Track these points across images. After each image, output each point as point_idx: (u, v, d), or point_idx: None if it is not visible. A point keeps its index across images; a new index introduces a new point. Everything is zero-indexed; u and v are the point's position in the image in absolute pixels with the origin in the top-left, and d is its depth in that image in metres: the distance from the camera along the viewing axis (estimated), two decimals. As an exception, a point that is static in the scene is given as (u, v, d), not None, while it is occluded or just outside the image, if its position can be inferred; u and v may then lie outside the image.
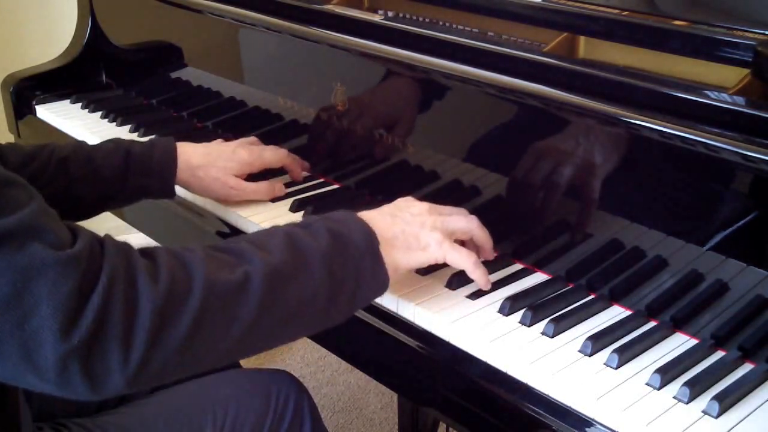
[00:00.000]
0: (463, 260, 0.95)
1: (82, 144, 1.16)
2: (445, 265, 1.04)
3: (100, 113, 1.60)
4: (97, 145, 1.17)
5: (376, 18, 1.19)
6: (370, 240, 0.88)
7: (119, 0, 1.68)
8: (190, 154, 1.17)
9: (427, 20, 1.25)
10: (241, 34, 1.39)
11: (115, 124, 1.55)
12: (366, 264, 0.86)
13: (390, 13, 1.26)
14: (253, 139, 1.29)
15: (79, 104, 1.65)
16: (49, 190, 1.08)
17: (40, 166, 1.10)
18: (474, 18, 1.18)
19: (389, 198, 1.20)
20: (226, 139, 1.29)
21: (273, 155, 1.24)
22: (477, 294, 0.98)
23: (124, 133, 1.52)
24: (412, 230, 0.93)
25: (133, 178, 1.13)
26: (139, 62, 1.71)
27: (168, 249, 0.77)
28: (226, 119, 1.49)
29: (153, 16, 1.59)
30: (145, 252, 0.75)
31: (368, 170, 1.24)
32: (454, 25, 1.22)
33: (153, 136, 1.45)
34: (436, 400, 0.97)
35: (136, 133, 1.50)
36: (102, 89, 1.74)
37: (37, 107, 1.66)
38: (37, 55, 1.86)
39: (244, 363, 1.27)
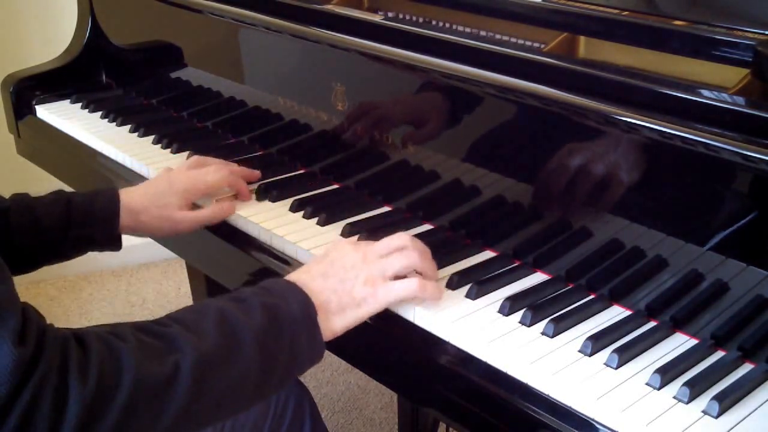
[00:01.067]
0: (405, 293, 0.93)
1: (24, 195, 1.13)
2: (444, 265, 1.04)
3: (100, 113, 1.60)
4: (39, 196, 1.13)
5: (376, 18, 1.19)
6: (306, 310, 0.87)
7: (119, 0, 1.68)
8: (129, 199, 1.14)
9: (427, 20, 1.25)
10: (241, 34, 1.39)
11: (115, 124, 1.56)
12: (302, 336, 0.86)
13: (390, 13, 1.27)
14: (194, 159, 1.25)
15: (79, 104, 1.65)
16: None
17: None
18: (474, 18, 1.18)
19: (389, 198, 1.21)
20: (223, 142, 1.29)
21: (214, 178, 1.19)
22: (477, 293, 0.98)
23: (124, 133, 1.52)
24: (345, 288, 0.91)
25: (74, 229, 1.10)
26: (139, 62, 1.71)
27: (100, 335, 0.75)
28: (226, 119, 1.49)
29: (153, 16, 1.59)
30: (78, 338, 0.74)
31: (368, 170, 1.24)
32: (454, 25, 1.22)
33: (150, 144, 1.45)
34: (436, 400, 0.97)
35: (136, 133, 1.50)
36: (102, 89, 1.74)
37: (37, 107, 1.66)
38: (37, 55, 1.86)
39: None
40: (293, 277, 0.92)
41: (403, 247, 0.96)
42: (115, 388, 0.72)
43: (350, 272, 0.92)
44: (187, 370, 0.76)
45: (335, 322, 0.90)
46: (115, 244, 1.15)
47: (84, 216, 1.11)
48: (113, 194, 1.14)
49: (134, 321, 0.81)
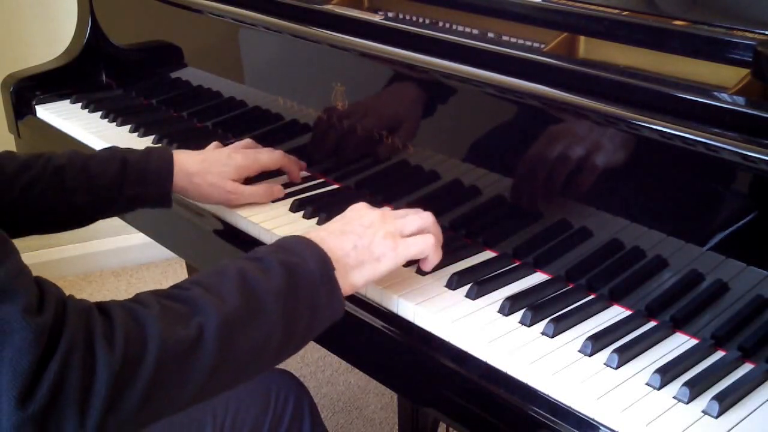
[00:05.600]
0: (423, 247, 0.96)
1: (78, 152, 1.16)
2: (444, 265, 1.04)
3: (100, 113, 1.60)
4: (93, 153, 1.16)
5: (376, 18, 1.19)
6: (324, 267, 0.87)
7: (119, 0, 1.68)
8: (185, 161, 1.17)
9: (427, 20, 1.25)
10: (241, 34, 1.39)
11: (115, 124, 1.56)
12: (321, 293, 0.86)
13: (390, 13, 1.26)
14: (248, 141, 1.29)
15: (79, 104, 1.65)
16: (45, 199, 1.09)
17: (35, 174, 1.09)
18: (474, 18, 1.18)
19: (389, 198, 1.20)
20: (223, 142, 1.29)
21: (269, 158, 1.24)
22: (477, 293, 0.98)
23: (124, 133, 1.52)
24: (364, 243, 0.92)
25: (129, 187, 1.13)
26: (139, 62, 1.71)
27: (124, 305, 0.76)
28: (226, 119, 1.49)
29: (153, 16, 1.59)
30: (102, 309, 0.74)
31: (368, 170, 1.24)
32: (454, 25, 1.22)
33: (150, 144, 1.45)
34: (436, 400, 0.97)
35: (136, 133, 1.50)
36: (102, 89, 1.74)
37: (37, 107, 1.66)
38: (37, 55, 1.86)
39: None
40: (311, 234, 0.92)
41: (417, 212, 0.99)
42: (142, 355, 0.72)
43: (369, 229, 0.94)
44: (212, 333, 0.76)
45: (354, 276, 0.91)
46: (166, 202, 1.18)
47: (139, 175, 1.13)
48: (167, 153, 1.17)
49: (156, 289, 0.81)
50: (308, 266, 0.86)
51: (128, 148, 1.18)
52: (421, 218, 0.98)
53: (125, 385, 0.71)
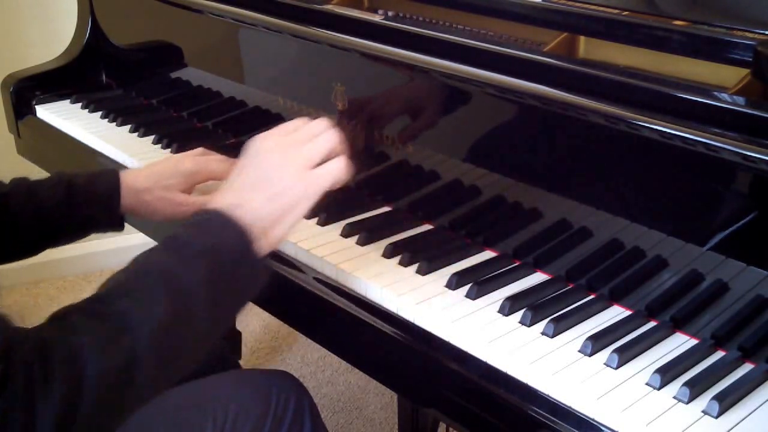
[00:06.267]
0: (334, 179, 0.92)
1: (23, 179, 1.13)
2: (444, 265, 1.04)
3: (100, 113, 1.60)
4: (39, 179, 1.13)
5: (376, 18, 1.19)
6: (244, 242, 0.85)
7: (119, 0, 1.68)
8: (132, 179, 1.14)
9: (427, 20, 1.25)
10: (241, 34, 1.39)
11: (115, 124, 1.56)
12: (244, 269, 0.85)
13: (390, 13, 1.26)
14: (199, 150, 1.25)
15: (79, 104, 1.65)
16: None
17: None
18: (474, 18, 1.18)
19: (389, 198, 1.20)
20: (223, 142, 1.29)
21: (219, 166, 1.20)
22: (477, 293, 0.98)
23: (124, 133, 1.52)
24: (276, 192, 0.89)
25: (77, 210, 1.10)
26: (139, 62, 1.71)
27: (61, 341, 0.73)
28: (226, 119, 1.49)
29: (153, 16, 1.59)
30: (42, 347, 0.71)
31: (368, 170, 1.24)
32: (454, 25, 1.22)
33: (150, 144, 1.45)
34: (436, 400, 0.97)
35: (136, 133, 1.50)
36: (102, 89, 1.74)
37: (37, 107, 1.66)
38: (37, 55, 1.86)
39: (244, 363, 1.27)
40: (223, 202, 0.88)
41: (319, 128, 0.93)
42: (80, 392, 0.70)
43: (277, 173, 0.89)
44: (145, 348, 0.75)
45: (275, 233, 0.89)
46: (116, 225, 1.15)
47: (85, 196, 1.11)
48: (114, 174, 1.14)
49: (84, 300, 0.79)
50: (228, 246, 0.84)
51: (74, 172, 1.14)
52: (326, 141, 0.92)
53: (69, 422, 0.70)
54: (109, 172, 1.15)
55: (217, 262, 0.83)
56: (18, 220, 1.08)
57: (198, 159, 1.20)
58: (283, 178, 0.89)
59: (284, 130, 0.94)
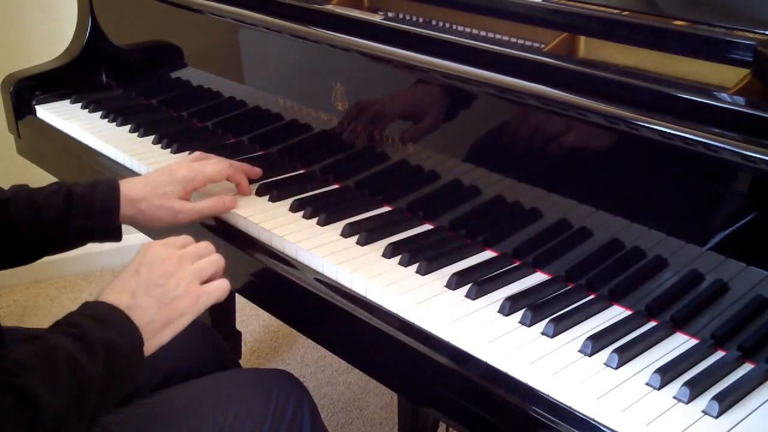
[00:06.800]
0: (218, 297, 0.97)
1: (24, 186, 1.13)
2: (444, 265, 1.04)
3: (100, 113, 1.60)
4: (40, 187, 1.13)
5: (376, 18, 1.19)
6: (136, 344, 0.88)
7: (119, 0, 1.68)
8: (130, 189, 1.14)
9: (427, 20, 1.25)
10: (241, 34, 1.39)
11: (115, 124, 1.56)
12: (132, 369, 0.87)
13: (390, 13, 1.27)
14: (196, 154, 1.26)
15: (79, 104, 1.65)
16: None
17: None
18: (474, 18, 1.18)
19: (389, 198, 1.20)
20: (223, 142, 1.29)
21: (214, 168, 1.20)
22: (477, 293, 0.98)
23: (124, 133, 1.52)
24: (167, 300, 0.92)
25: (75, 220, 1.10)
26: (139, 62, 1.71)
27: None
28: (226, 119, 1.49)
29: (153, 16, 1.59)
30: None
31: (368, 170, 1.24)
32: (454, 25, 1.22)
33: (150, 144, 1.45)
34: (437, 400, 0.97)
35: (136, 133, 1.50)
36: (102, 89, 1.74)
37: (37, 107, 1.66)
38: (37, 55, 1.86)
39: (244, 363, 1.27)
40: (119, 301, 0.89)
41: (206, 250, 0.99)
42: None
43: (170, 281, 0.93)
44: (43, 428, 0.75)
45: (160, 337, 0.91)
46: (115, 235, 1.15)
47: (84, 207, 1.11)
48: (113, 185, 1.14)
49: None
50: (123, 344, 0.86)
51: (75, 182, 1.15)
52: (214, 262, 0.98)
53: None
54: (108, 183, 1.15)
55: (113, 358, 0.84)
56: (17, 228, 1.08)
57: (192, 165, 1.20)
58: (176, 287, 0.93)
59: (176, 243, 0.98)
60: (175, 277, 0.93)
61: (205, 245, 1.00)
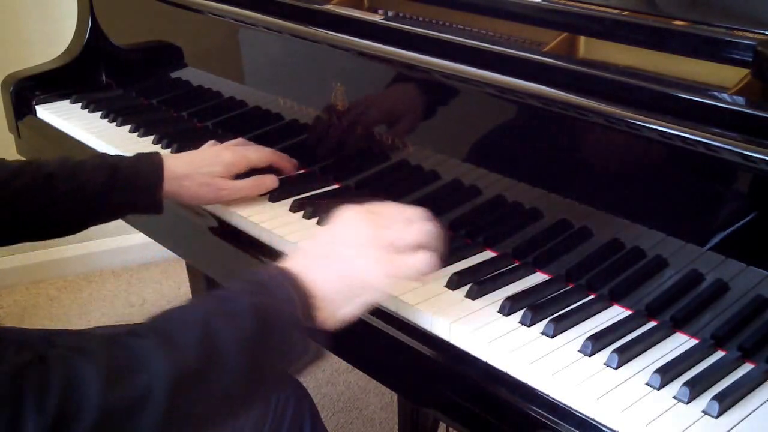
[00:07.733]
0: (424, 270, 0.86)
1: (68, 159, 1.14)
2: (444, 265, 1.04)
3: (100, 113, 1.60)
4: (83, 159, 1.15)
5: (376, 18, 1.19)
6: (302, 310, 0.80)
7: (119, 0, 1.68)
8: (174, 165, 1.16)
9: (427, 20, 1.25)
10: (241, 34, 1.39)
11: (115, 124, 1.55)
12: (296, 338, 0.80)
13: (390, 13, 1.26)
14: (239, 140, 1.29)
15: (79, 104, 1.65)
16: (36, 206, 1.09)
17: (26, 182, 1.09)
18: (474, 18, 1.18)
19: (389, 198, 1.20)
20: (223, 142, 1.29)
21: (257, 155, 1.24)
22: (477, 293, 0.98)
23: (124, 133, 1.52)
24: (352, 271, 0.84)
25: (118, 195, 1.12)
26: (139, 62, 1.71)
27: (65, 357, 0.70)
28: (226, 119, 1.49)
29: (153, 16, 1.59)
30: (41, 361, 0.69)
31: (368, 170, 1.24)
32: (454, 25, 1.22)
33: (150, 144, 1.45)
34: (436, 400, 0.97)
35: (136, 133, 1.50)
36: (102, 89, 1.74)
37: (37, 107, 1.66)
38: (37, 55, 1.86)
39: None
40: (294, 262, 0.84)
41: (417, 219, 0.89)
42: (77, 417, 0.67)
43: (359, 250, 0.84)
44: (160, 392, 0.71)
45: (342, 311, 0.84)
46: (156, 209, 1.17)
47: (128, 182, 1.13)
48: (157, 161, 1.16)
49: (109, 326, 0.78)
50: (282, 309, 0.79)
51: (119, 156, 1.17)
52: (420, 231, 0.87)
53: None
54: (153, 157, 1.17)
55: (265, 323, 0.78)
56: (62, 200, 1.10)
57: (237, 149, 1.23)
58: (365, 258, 0.85)
59: (379, 208, 0.90)
60: (366, 246, 0.85)
61: (418, 211, 0.89)
